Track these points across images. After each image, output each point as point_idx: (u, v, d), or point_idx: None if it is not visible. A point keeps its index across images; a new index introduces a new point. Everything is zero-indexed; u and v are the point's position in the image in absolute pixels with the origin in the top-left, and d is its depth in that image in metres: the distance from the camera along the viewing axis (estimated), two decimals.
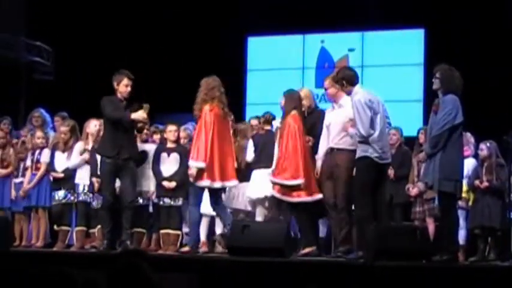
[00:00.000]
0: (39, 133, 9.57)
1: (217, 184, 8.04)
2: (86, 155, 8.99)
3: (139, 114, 8.27)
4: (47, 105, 10.42)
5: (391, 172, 8.81)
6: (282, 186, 7.94)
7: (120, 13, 13.19)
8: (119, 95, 8.37)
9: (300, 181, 7.87)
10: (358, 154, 7.55)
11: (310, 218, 8.07)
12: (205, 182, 7.97)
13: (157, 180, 8.83)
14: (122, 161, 8.29)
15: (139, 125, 8.40)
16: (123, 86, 8.35)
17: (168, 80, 9.19)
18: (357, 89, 7.68)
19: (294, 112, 8.06)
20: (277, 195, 8.02)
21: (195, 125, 8.34)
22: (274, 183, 8.02)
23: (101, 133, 8.85)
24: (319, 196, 7.92)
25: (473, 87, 7.65)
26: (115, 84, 8.38)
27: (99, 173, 8.59)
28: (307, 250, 7.86)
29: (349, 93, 7.71)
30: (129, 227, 8.35)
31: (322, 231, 8.59)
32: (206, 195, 8.32)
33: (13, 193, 9.57)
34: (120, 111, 8.29)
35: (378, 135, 7.55)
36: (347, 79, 7.70)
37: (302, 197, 7.92)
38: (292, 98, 8.16)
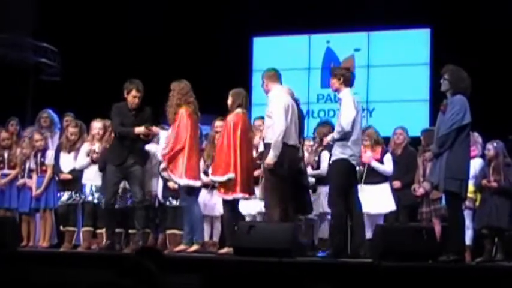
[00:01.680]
0: (37, 136, 9.54)
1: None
2: (94, 156, 9.00)
3: (142, 130, 8.42)
4: (53, 106, 10.45)
5: (396, 183, 8.85)
6: (220, 183, 8.09)
7: (126, 14, 13.19)
8: (128, 104, 8.51)
9: (230, 175, 7.95)
10: (336, 156, 7.75)
11: (237, 217, 8.16)
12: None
13: (163, 181, 8.84)
14: (128, 165, 8.45)
15: (143, 137, 8.55)
16: (132, 97, 8.48)
17: (174, 80, 9.19)
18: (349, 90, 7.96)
19: (237, 110, 8.17)
20: (219, 194, 8.19)
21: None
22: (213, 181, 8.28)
23: (106, 134, 9.06)
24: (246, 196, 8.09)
25: (479, 87, 7.63)
26: (125, 92, 8.52)
27: None
28: (225, 250, 7.98)
29: (337, 90, 7.97)
30: (141, 227, 8.46)
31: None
32: (203, 196, 8.61)
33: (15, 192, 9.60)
34: (125, 127, 8.47)
35: (356, 139, 7.82)
36: (345, 78, 7.93)
37: (236, 194, 8.03)
38: (238, 96, 8.25)
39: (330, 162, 7.95)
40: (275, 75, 8.14)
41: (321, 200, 8.74)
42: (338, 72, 8.06)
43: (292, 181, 7.94)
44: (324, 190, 8.66)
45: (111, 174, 8.49)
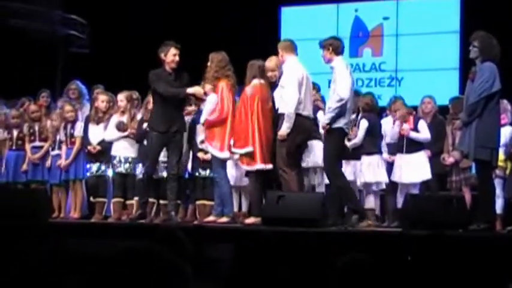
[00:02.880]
0: (68, 107, 9.62)
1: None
2: (124, 128, 9.05)
3: (197, 89, 8.34)
4: (83, 78, 10.51)
5: (426, 152, 8.81)
6: (241, 155, 8.11)
7: None
8: (166, 66, 8.39)
9: (249, 149, 8.00)
10: (331, 125, 7.71)
11: (262, 189, 8.16)
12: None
13: (193, 151, 8.87)
14: (171, 134, 8.37)
15: (196, 98, 8.54)
16: (171, 56, 8.37)
17: (202, 52, 9.15)
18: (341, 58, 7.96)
19: (254, 81, 8.18)
20: (242, 165, 8.20)
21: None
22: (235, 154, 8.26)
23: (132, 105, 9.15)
24: (270, 166, 8.07)
25: (509, 54, 7.54)
26: (162, 55, 8.41)
27: None
28: (252, 220, 7.98)
29: (329, 61, 7.91)
30: (174, 198, 8.48)
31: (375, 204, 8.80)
32: (230, 168, 8.58)
33: (47, 163, 9.70)
34: (175, 88, 8.35)
35: (350, 107, 7.84)
36: (334, 47, 7.89)
37: (258, 164, 8.05)
38: (252, 68, 8.24)
39: (324, 131, 7.92)
40: (290, 46, 8.14)
41: (363, 169, 8.76)
42: (326, 42, 7.98)
43: (302, 150, 8.02)
44: (367, 159, 8.71)
45: (154, 142, 8.39)
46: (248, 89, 8.19)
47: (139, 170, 9.04)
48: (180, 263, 2.32)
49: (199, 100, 8.58)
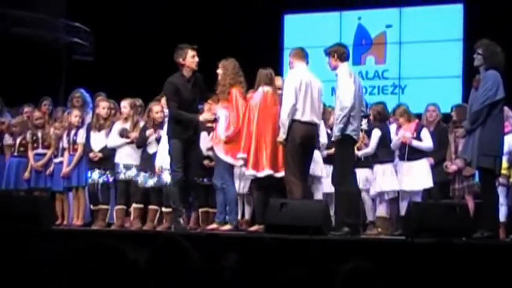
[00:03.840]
0: (76, 112, 9.64)
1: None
2: (127, 134, 9.06)
3: (207, 117, 8.29)
4: (86, 85, 10.51)
5: (429, 160, 8.81)
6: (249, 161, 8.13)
7: None
8: (185, 70, 8.17)
9: (242, 155, 8.10)
10: (336, 131, 7.71)
11: (267, 196, 8.14)
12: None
13: (197, 158, 8.86)
14: (190, 139, 8.27)
15: (210, 124, 8.45)
16: (190, 58, 8.19)
17: (205, 59, 9.18)
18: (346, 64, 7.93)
19: (260, 89, 8.26)
20: (248, 171, 8.18)
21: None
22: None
23: (131, 114, 9.21)
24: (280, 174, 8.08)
25: None
26: (180, 60, 8.17)
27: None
28: (255, 227, 8.01)
29: (335, 68, 7.89)
30: (177, 205, 8.25)
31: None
32: (237, 175, 8.58)
33: (50, 170, 9.71)
34: (185, 102, 8.15)
35: (357, 113, 7.78)
36: (339, 54, 7.88)
37: (264, 171, 8.11)
38: (260, 75, 8.32)
39: (334, 139, 7.90)
40: (300, 54, 8.16)
41: (377, 178, 8.78)
42: (331, 49, 7.96)
43: (307, 156, 7.99)
44: (380, 168, 8.77)
45: (176, 148, 8.13)
46: (253, 96, 8.30)
47: (142, 178, 9.03)
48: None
49: (212, 122, 8.49)
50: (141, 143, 9.07)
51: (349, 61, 8.19)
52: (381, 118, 8.95)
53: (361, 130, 8.80)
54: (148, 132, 9.01)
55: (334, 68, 7.93)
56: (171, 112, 8.20)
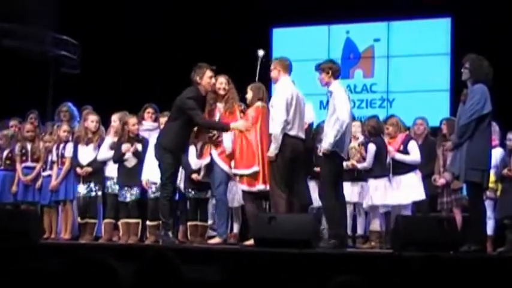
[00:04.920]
0: (65, 126, 9.65)
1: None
2: (136, 148, 9.01)
3: (242, 124, 8.17)
4: (74, 98, 10.50)
5: (419, 173, 8.85)
6: (245, 176, 8.12)
7: (146, 6, 13.22)
8: (201, 89, 8.20)
9: (256, 169, 8.08)
10: (330, 148, 7.69)
11: (259, 209, 8.21)
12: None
13: (186, 172, 8.85)
14: (182, 152, 8.33)
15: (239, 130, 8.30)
16: (207, 79, 8.20)
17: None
18: (338, 81, 7.99)
19: (257, 103, 8.28)
20: (243, 186, 8.18)
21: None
22: (236, 175, 8.29)
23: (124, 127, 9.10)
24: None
25: (500, 77, 7.57)
26: (197, 79, 8.18)
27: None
28: (250, 242, 7.93)
29: (327, 84, 7.92)
30: (166, 219, 8.24)
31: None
32: (232, 188, 8.60)
33: (38, 184, 9.68)
34: (218, 122, 8.33)
35: (349, 130, 7.87)
36: (333, 71, 7.92)
37: (260, 185, 8.10)
38: (258, 90, 8.35)
39: (323, 153, 7.90)
40: (288, 66, 8.18)
41: (370, 192, 8.82)
42: (325, 66, 7.99)
43: (294, 171, 7.98)
44: (374, 183, 8.79)
45: (172, 163, 8.08)
46: (251, 111, 8.29)
47: (121, 193, 9.03)
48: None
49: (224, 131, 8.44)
50: (117, 159, 9.06)
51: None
52: (376, 132, 8.97)
53: (359, 144, 8.87)
54: (124, 147, 9.00)
55: (326, 85, 7.95)
56: (202, 122, 8.16)
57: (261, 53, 8.44)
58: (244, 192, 8.23)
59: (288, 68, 8.16)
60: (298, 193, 8.05)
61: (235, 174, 8.35)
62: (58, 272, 2.75)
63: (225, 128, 8.21)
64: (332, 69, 7.93)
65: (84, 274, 2.50)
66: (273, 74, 8.19)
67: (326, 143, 7.75)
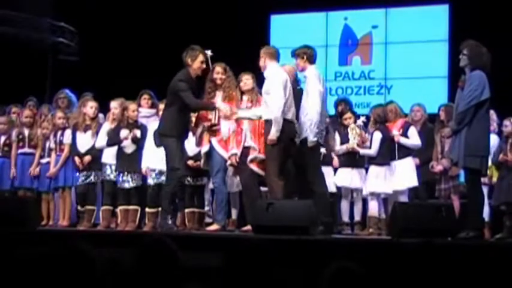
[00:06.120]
0: (59, 113, 9.63)
1: None
2: (135, 134, 9.00)
3: (224, 107, 8.23)
4: (72, 85, 10.47)
5: (415, 160, 8.86)
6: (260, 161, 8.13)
7: None
8: (192, 72, 8.20)
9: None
10: (312, 137, 7.77)
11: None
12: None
13: (183, 159, 8.83)
14: (183, 136, 8.31)
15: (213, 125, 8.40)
16: (199, 63, 8.20)
17: None
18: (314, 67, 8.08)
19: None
20: (256, 168, 8.15)
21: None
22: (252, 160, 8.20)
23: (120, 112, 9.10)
24: None
25: (497, 63, 7.56)
26: (189, 61, 8.17)
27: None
28: (248, 227, 7.98)
29: (303, 69, 8.04)
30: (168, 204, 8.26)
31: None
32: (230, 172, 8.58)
33: (36, 171, 9.67)
34: (203, 101, 8.37)
35: (322, 116, 7.94)
36: (308, 56, 8.02)
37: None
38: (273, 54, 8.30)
39: (298, 142, 7.93)
40: (275, 53, 8.17)
41: (371, 179, 8.85)
42: (300, 51, 8.06)
43: (289, 155, 8.01)
44: (376, 170, 8.83)
45: (175, 148, 8.05)
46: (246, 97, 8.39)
47: (120, 180, 9.03)
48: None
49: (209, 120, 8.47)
50: (111, 142, 9.05)
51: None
52: (381, 120, 9.00)
53: (358, 127, 8.88)
54: (123, 133, 8.99)
55: (302, 70, 8.07)
56: (191, 102, 8.08)
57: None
58: (251, 174, 8.16)
59: (274, 54, 8.14)
60: (318, 182, 7.99)
61: (251, 160, 8.18)
62: (38, 259, 2.78)
63: (211, 106, 8.29)
64: (307, 54, 8.00)
65: (60, 261, 2.53)
66: (260, 62, 8.17)
67: (311, 135, 7.77)
